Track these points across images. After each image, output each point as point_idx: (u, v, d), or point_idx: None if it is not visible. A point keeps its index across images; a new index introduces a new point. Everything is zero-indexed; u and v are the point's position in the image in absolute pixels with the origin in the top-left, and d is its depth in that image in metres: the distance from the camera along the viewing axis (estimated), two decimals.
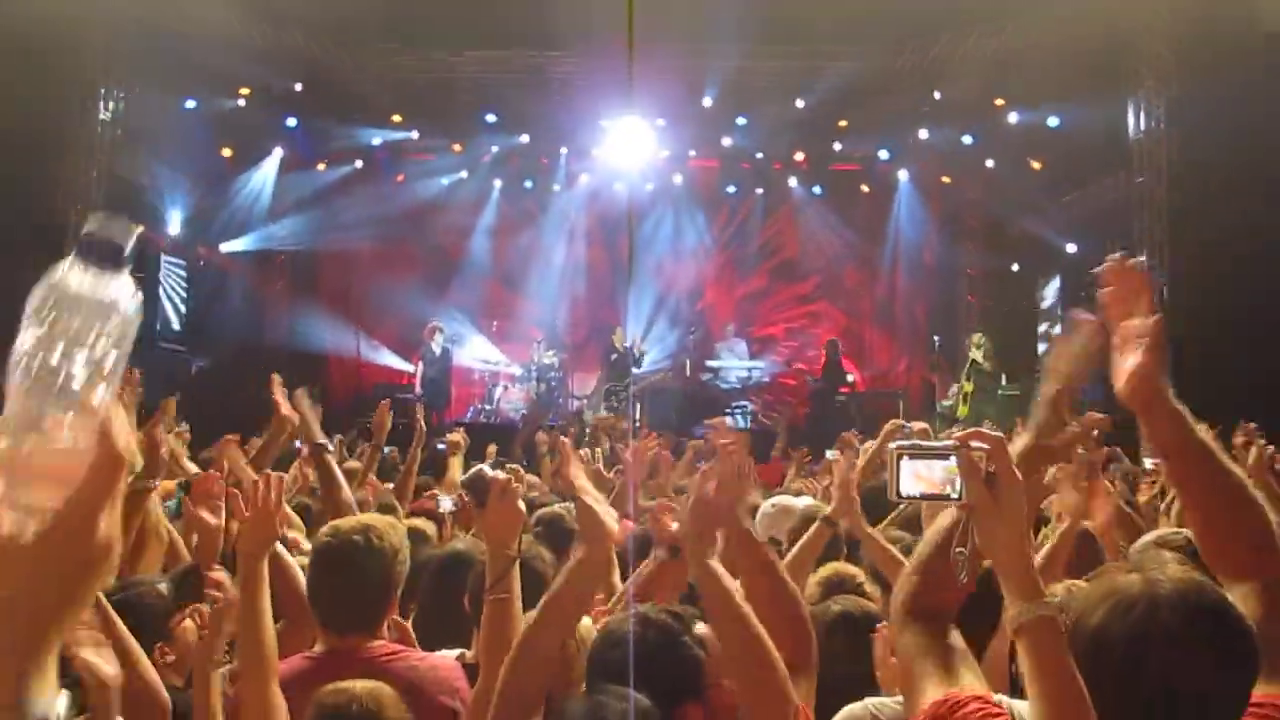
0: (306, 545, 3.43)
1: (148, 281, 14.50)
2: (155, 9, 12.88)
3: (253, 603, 2.44)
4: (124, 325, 0.97)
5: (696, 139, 16.36)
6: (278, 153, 16.11)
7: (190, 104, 14.38)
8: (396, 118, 15.87)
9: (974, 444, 1.73)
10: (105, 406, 0.94)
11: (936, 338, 16.36)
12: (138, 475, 3.41)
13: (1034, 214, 15.32)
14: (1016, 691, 1.88)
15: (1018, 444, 1.95)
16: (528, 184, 17.40)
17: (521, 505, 2.56)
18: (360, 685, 2.30)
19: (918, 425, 6.27)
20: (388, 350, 16.59)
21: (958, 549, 1.79)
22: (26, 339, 0.91)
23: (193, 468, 5.69)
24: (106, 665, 2.34)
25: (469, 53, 14.91)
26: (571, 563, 2.28)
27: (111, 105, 13.36)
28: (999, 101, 14.79)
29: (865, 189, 17.27)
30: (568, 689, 2.31)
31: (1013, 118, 14.85)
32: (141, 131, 13.57)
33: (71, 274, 0.96)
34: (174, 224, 15.02)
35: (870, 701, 2.65)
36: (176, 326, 15.09)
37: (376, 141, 16.29)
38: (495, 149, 16.64)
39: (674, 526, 2.75)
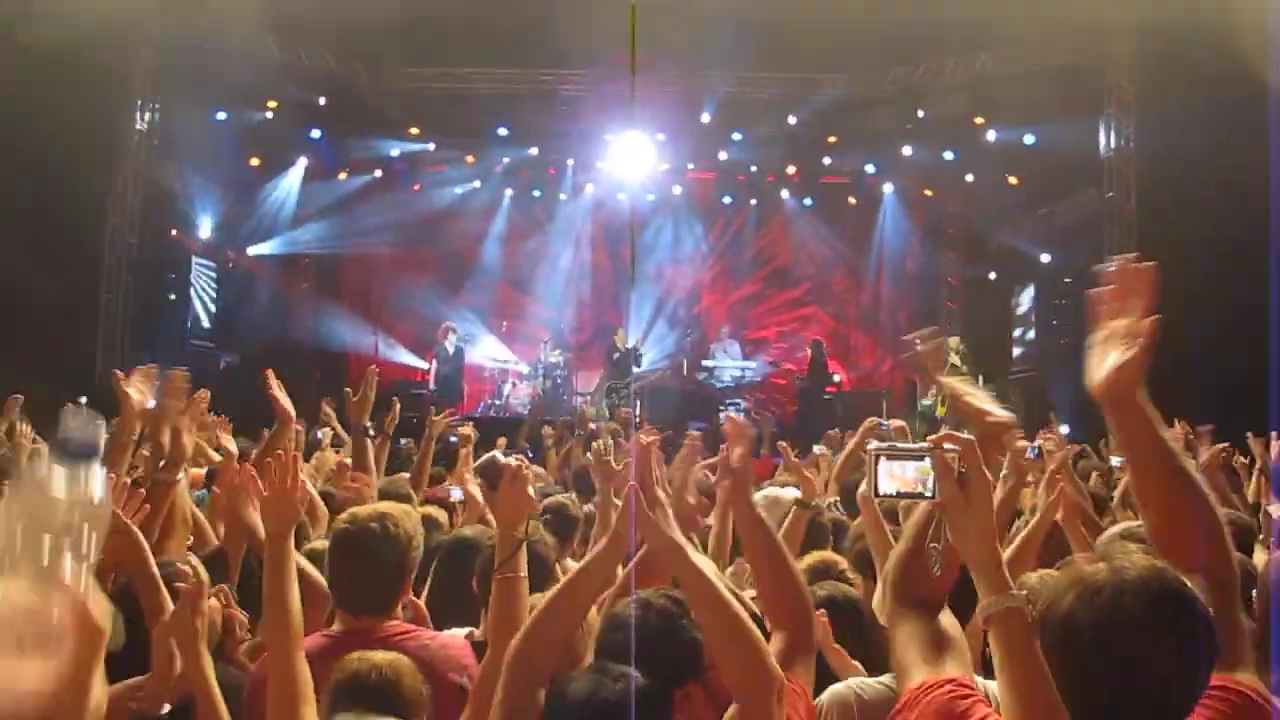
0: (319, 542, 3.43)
1: (180, 282, 14.54)
2: (190, 27, 12.92)
3: (280, 578, 2.42)
4: (98, 510, 0.97)
5: (695, 153, 16.35)
6: (302, 162, 16.10)
7: (221, 116, 14.37)
8: (414, 130, 15.85)
9: (946, 446, 1.74)
10: (79, 580, 0.94)
11: (917, 337, 16.35)
12: (163, 467, 3.38)
13: (1010, 226, 15.34)
14: (989, 673, 1.88)
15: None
16: (536, 193, 17.37)
17: (531, 491, 2.56)
18: (381, 656, 2.31)
19: (895, 423, 6.26)
20: (404, 348, 16.56)
21: (932, 544, 1.80)
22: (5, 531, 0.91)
23: (218, 456, 5.67)
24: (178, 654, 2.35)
25: (482, 71, 14.95)
26: (588, 561, 2.27)
27: (148, 117, 13.37)
28: (978, 120, 14.79)
29: (853, 201, 17.24)
30: (572, 669, 2.30)
31: (991, 136, 14.85)
32: (175, 141, 13.56)
33: (50, 471, 0.97)
34: (205, 228, 15.01)
35: (853, 681, 2.66)
36: (206, 325, 15.08)
37: (395, 153, 16.28)
38: (506, 160, 16.62)
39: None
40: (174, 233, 14.49)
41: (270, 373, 4.25)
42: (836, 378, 15.98)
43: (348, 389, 4.88)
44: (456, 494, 4.94)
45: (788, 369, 16.66)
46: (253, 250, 16.11)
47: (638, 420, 12.49)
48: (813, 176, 16.69)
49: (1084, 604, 1.61)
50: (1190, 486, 1.86)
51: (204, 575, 2.47)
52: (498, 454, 2.62)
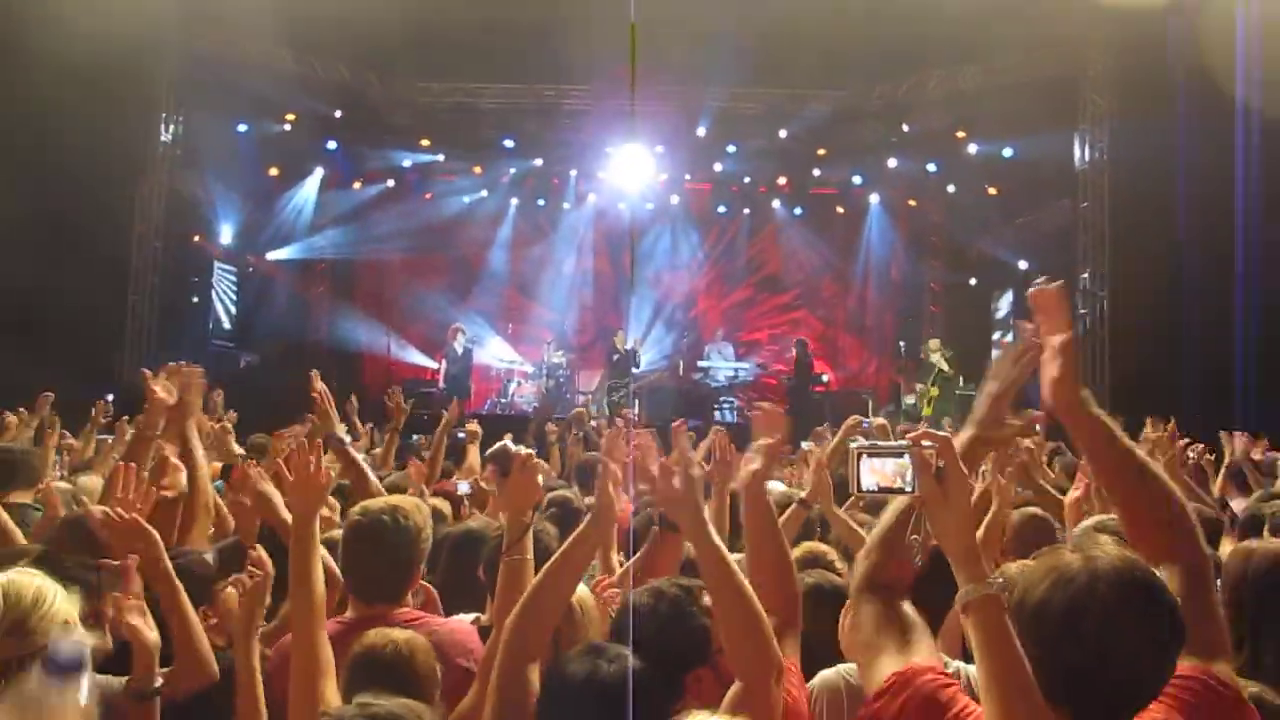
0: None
1: (202, 286, 14.54)
2: (212, 43, 12.91)
3: (305, 559, 2.43)
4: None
5: (691, 165, 16.34)
6: (319, 172, 16.11)
7: (242, 128, 14.37)
8: (425, 142, 15.85)
9: (925, 443, 1.74)
10: None
11: (902, 343, 16.51)
12: (142, 424, 3.45)
13: (990, 235, 15.35)
14: (970, 657, 1.88)
15: (961, 436, 1.96)
16: (541, 202, 17.37)
17: (540, 479, 2.56)
18: (399, 633, 2.31)
19: (877, 421, 6.25)
20: (415, 349, 16.56)
21: (912, 535, 1.80)
22: None
23: (239, 450, 5.67)
24: (149, 631, 2.34)
25: (490, 86, 14.97)
26: (576, 534, 2.28)
27: (172, 128, 13.35)
28: (960, 134, 14.79)
29: (840, 211, 17.24)
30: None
31: (972, 149, 14.85)
32: (198, 152, 13.55)
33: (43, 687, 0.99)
34: (226, 235, 15.01)
35: (843, 668, 2.65)
36: (227, 326, 15.08)
37: (407, 163, 16.27)
38: (512, 171, 16.62)
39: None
40: (197, 238, 14.48)
41: (315, 374, 4.28)
42: (825, 378, 15.99)
43: (353, 395, 4.86)
44: (464, 487, 4.93)
45: (777, 369, 16.66)
46: (272, 255, 16.10)
47: (636, 418, 12.49)
48: (803, 187, 16.69)
49: (1058, 591, 1.61)
50: (1153, 482, 1.85)
51: (270, 568, 2.47)
52: (509, 442, 2.62)
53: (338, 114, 15.04)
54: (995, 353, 15.52)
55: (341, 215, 16.43)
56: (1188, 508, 1.86)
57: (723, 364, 15.83)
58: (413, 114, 15.32)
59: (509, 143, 15.79)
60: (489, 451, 2.79)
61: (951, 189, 15.99)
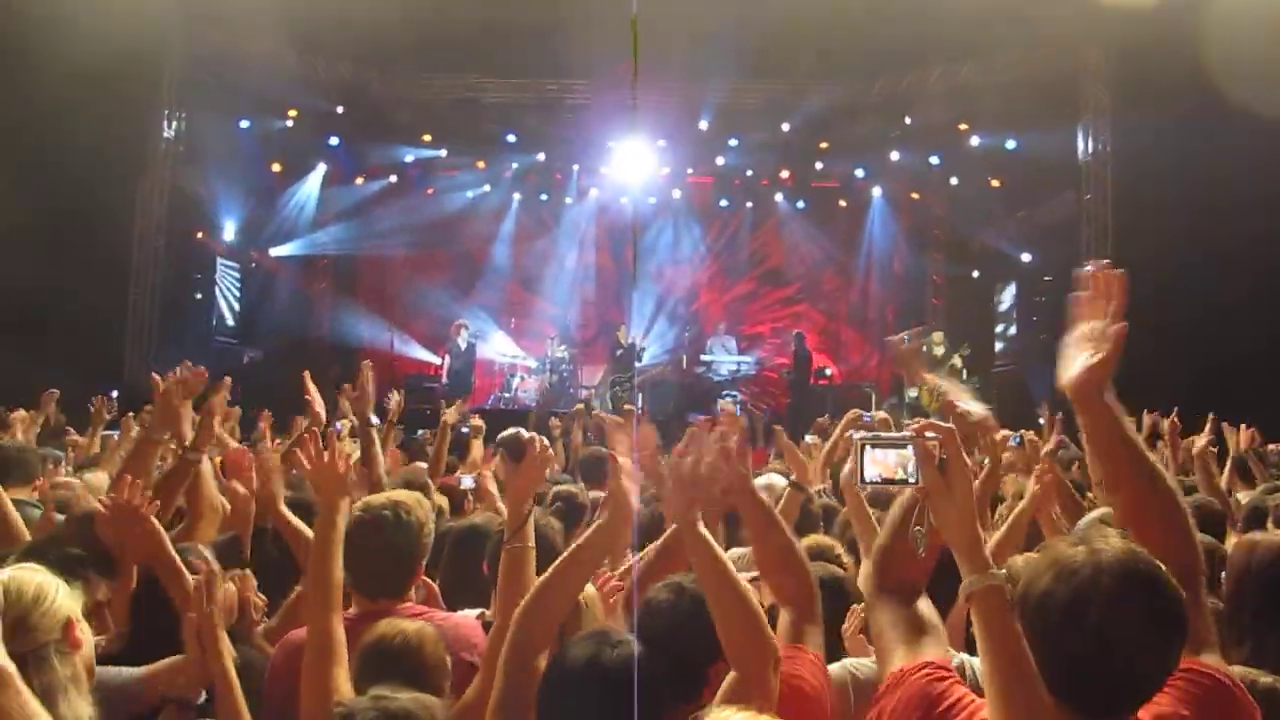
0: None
1: (205, 282, 14.55)
2: (214, 40, 12.91)
3: (328, 547, 2.45)
4: None
5: (693, 159, 16.32)
6: (321, 168, 16.11)
7: (244, 124, 14.38)
8: (427, 138, 15.84)
9: (928, 434, 1.74)
10: None
11: (905, 336, 16.38)
12: (188, 446, 3.34)
13: (992, 227, 15.31)
14: (974, 649, 1.88)
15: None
16: (543, 197, 17.34)
17: (548, 472, 2.55)
18: (409, 624, 2.32)
19: (879, 415, 6.22)
20: (418, 344, 16.56)
21: (916, 527, 1.80)
22: None
23: (234, 444, 5.66)
24: (227, 655, 2.34)
25: (492, 81, 14.95)
26: (591, 530, 2.27)
27: (175, 125, 13.36)
28: (962, 127, 14.76)
29: (843, 204, 17.22)
30: None
31: (975, 141, 14.82)
32: (201, 149, 13.57)
33: None
34: (229, 231, 15.02)
35: (848, 661, 2.65)
36: (231, 322, 15.10)
37: (409, 159, 16.27)
38: (515, 166, 16.59)
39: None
40: (200, 235, 14.49)
41: (306, 374, 4.30)
42: (828, 371, 15.98)
43: (346, 384, 4.88)
44: (467, 482, 4.93)
45: (779, 363, 16.66)
46: (275, 251, 16.12)
47: (640, 412, 12.49)
48: (805, 181, 16.65)
49: (1061, 582, 1.60)
50: (1154, 478, 1.86)
51: (215, 566, 2.48)
52: (521, 430, 2.61)
53: (340, 110, 15.03)
54: (998, 345, 15.55)
55: (344, 211, 16.43)
56: (1184, 505, 1.87)
57: (725, 358, 15.83)
58: (414, 109, 15.31)
59: (511, 138, 15.78)
60: (501, 437, 2.78)
61: (954, 182, 15.96)
